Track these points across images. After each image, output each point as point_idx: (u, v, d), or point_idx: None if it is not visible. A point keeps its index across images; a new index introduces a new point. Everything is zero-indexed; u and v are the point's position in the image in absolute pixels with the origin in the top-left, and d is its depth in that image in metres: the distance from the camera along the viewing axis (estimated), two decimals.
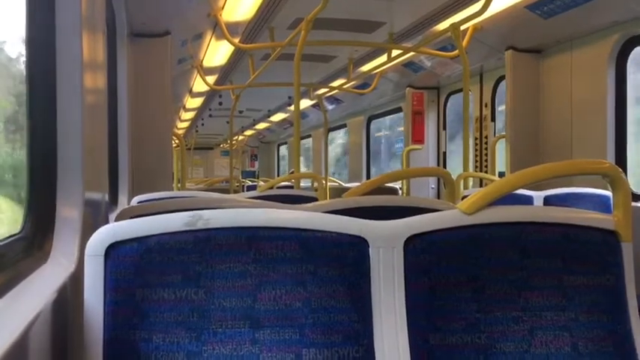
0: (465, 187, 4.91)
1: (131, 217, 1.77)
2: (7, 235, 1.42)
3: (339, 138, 13.15)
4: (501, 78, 5.98)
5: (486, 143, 6.27)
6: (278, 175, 16.25)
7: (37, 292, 1.23)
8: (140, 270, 1.27)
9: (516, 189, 1.50)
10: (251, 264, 1.31)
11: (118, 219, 1.96)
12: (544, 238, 1.44)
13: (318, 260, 1.33)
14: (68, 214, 1.53)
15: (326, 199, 4.46)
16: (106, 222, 2.32)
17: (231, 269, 1.30)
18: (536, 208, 2.47)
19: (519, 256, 1.42)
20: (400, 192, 7.43)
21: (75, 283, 1.43)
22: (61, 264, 1.47)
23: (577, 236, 1.45)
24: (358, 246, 1.37)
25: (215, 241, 1.30)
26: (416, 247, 1.39)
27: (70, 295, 1.40)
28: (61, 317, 1.32)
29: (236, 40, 5.48)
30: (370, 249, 1.37)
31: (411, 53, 6.02)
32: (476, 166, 6.41)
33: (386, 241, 1.38)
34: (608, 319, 1.43)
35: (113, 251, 1.27)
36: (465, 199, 1.48)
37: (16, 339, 0.95)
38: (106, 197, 2.41)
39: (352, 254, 1.36)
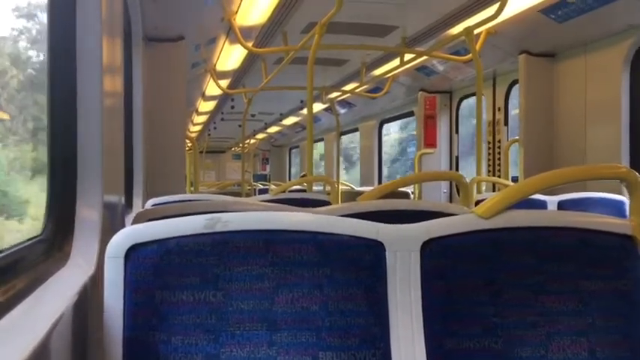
0: (478, 192, 4.90)
1: (147, 220, 1.78)
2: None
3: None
4: (514, 82, 5.96)
5: (499, 147, 6.25)
6: (289, 179, 16.27)
7: (58, 294, 1.25)
8: (159, 272, 1.28)
9: (533, 193, 1.50)
10: (268, 267, 1.32)
11: (134, 222, 1.98)
12: (561, 243, 1.44)
13: (335, 263, 1.34)
14: (88, 216, 1.55)
15: (338, 202, 4.47)
16: (123, 224, 2.34)
17: (249, 272, 1.31)
18: (553, 212, 2.46)
19: (536, 261, 1.42)
20: (412, 196, 7.42)
21: (94, 284, 1.45)
22: (81, 266, 1.48)
23: (594, 241, 1.45)
24: (375, 249, 1.37)
25: (233, 244, 1.31)
26: (433, 251, 1.40)
27: (89, 297, 1.42)
28: (81, 319, 1.34)
29: (249, 44, 5.51)
30: (387, 252, 1.37)
31: (424, 57, 6.02)
32: (489, 171, 6.39)
33: (403, 245, 1.38)
34: (625, 324, 1.42)
35: (133, 253, 1.29)
36: (481, 204, 1.48)
37: (41, 340, 0.97)
38: (123, 200, 2.44)
39: (369, 258, 1.37)
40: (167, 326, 1.27)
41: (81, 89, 1.56)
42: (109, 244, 1.29)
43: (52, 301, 1.20)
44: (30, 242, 1.43)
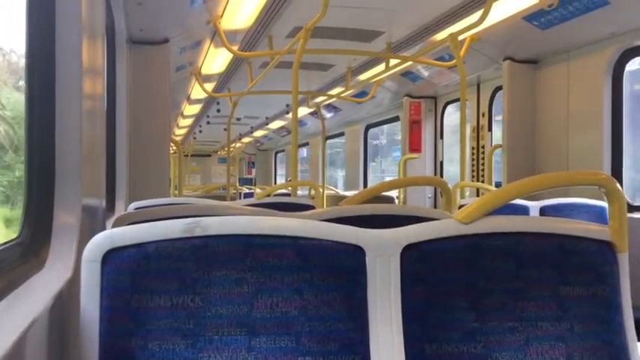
0: (462, 197, 4.92)
1: (128, 224, 1.76)
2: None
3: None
4: (499, 88, 6.01)
5: (483, 153, 6.29)
6: (275, 183, 16.25)
7: (33, 299, 1.23)
8: (137, 276, 1.27)
9: (513, 199, 1.51)
10: (248, 271, 1.31)
11: (115, 225, 1.96)
12: (540, 249, 1.45)
13: (315, 268, 1.33)
14: (65, 220, 1.53)
15: (323, 207, 4.47)
16: (103, 228, 2.31)
17: (228, 277, 1.30)
18: (533, 218, 2.47)
19: (516, 266, 1.42)
20: (397, 201, 7.44)
21: (71, 289, 1.43)
22: (58, 270, 1.46)
23: (573, 247, 1.46)
24: (355, 254, 1.37)
25: (212, 249, 1.30)
26: (412, 256, 1.40)
27: (66, 302, 1.40)
28: (57, 324, 1.32)
29: (235, 48, 5.50)
30: (367, 257, 1.37)
31: (409, 62, 6.05)
32: (472, 176, 6.43)
33: (383, 250, 1.38)
34: (603, 330, 1.43)
35: (110, 257, 1.27)
36: (461, 209, 1.48)
37: (12, 345, 0.95)
38: (103, 203, 2.41)
39: (349, 263, 1.36)
40: (144, 331, 1.26)
41: (60, 91, 1.55)
42: (85, 248, 1.28)
43: (26, 305, 1.18)
44: (6, 246, 1.41)
